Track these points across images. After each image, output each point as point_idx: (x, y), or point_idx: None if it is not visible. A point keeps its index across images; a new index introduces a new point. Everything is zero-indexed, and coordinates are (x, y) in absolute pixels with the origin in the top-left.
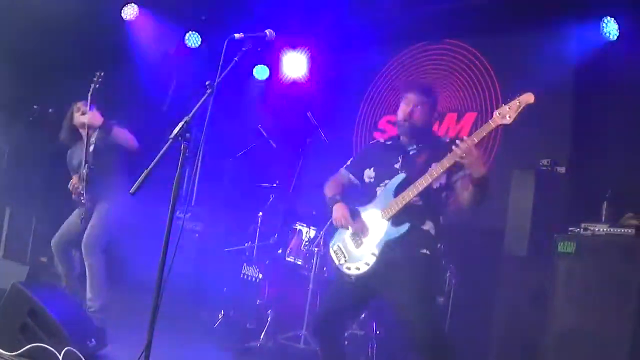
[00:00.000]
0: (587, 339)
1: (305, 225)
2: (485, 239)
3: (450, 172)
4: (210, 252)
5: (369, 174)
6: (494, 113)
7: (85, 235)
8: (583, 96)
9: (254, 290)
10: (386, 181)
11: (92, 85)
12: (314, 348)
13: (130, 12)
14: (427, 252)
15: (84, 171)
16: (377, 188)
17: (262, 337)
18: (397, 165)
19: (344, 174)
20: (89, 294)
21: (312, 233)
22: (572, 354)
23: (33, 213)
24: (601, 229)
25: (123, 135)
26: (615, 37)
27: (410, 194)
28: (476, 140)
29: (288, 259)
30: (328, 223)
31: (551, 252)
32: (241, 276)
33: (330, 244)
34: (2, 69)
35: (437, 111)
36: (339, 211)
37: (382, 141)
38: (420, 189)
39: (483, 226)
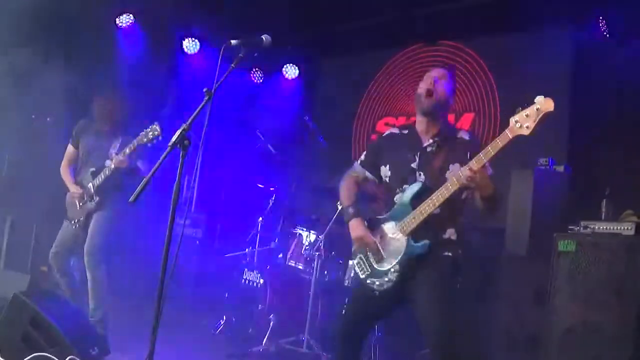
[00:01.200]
0: (590, 335)
1: (305, 229)
2: (485, 239)
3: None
4: (211, 258)
5: (385, 172)
6: (511, 121)
7: (86, 246)
8: (580, 94)
9: (255, 296)
10: (404, 186)
11: (148, 136)
12: (317, 352)
13: (125, 20)
14: (450, 254)
15: (95, 184)
16: (396, 195)
17: (264, 342)
18: (414, 165)
19: (359, 172)
20: (91, 304)
21: (313, 237)
22: (576, 351)
23: (34, 222)
24: (601, 227)
25: (141, 175)
26: (611, 36)
27: (427, 208)
28: (485, 160)
29: (289, 263)
30: (329, 225)
31: (552, 251)
32: (242, 282)
33: (353, 256)
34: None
35: (454, 95)
36: (357, 232)
37: (397, 132)
38: (437, 204)
39: (483, 226)
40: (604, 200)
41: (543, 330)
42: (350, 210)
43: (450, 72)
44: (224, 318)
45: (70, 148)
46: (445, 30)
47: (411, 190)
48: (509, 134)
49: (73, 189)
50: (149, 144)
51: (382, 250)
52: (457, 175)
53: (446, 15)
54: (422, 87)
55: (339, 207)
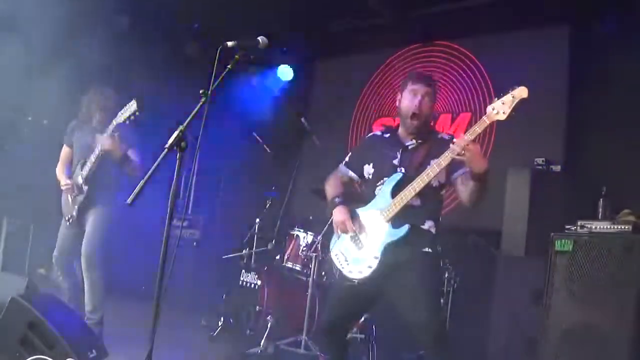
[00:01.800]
0: (588, 335)
1: (302, 230)
2: (482, 239)
3: (450, 169)
4: (209, 260)
5: (368, 170)
6: (487, 109)
7: (83, 248)
8: (576, 93)
9: (253, 297)
10: (384, 179)
11: (126, 114)
12: (315, 353)
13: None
14: (429, 250)
15: (83, 174)
16: (376, 187)
17: (262, 343)
18: (395, 161)
19: (343, 172)
20: (88, 307)
21: (310, 238)
22: (574, 352)
23: (30, 223)
24: (598, 227)
25: (133, 165)
26: (604, 35)
27: (408, 194)
28: (471, 138)
29: (286, 264)
30: (326, 226)
31: (549, 251)
32: (240, 283)
33: (331, 248)
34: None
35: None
36: (339, 215)
37: (380, 134)
38: (418, 189)
39: (480, 227)
40: (601, 200)
41: (541, 330)
42: (336, 199)
43: (431, 86)
44: (222, 319)
45: (65, 148)
46: (441, 30)
47: (392, 180)
48: (486, 119)
49: (63, 182)
50: (127, 121)
51: (361, 239)
52: (443, 156)
53: (441, 15)
54: (406, 106)
55: None
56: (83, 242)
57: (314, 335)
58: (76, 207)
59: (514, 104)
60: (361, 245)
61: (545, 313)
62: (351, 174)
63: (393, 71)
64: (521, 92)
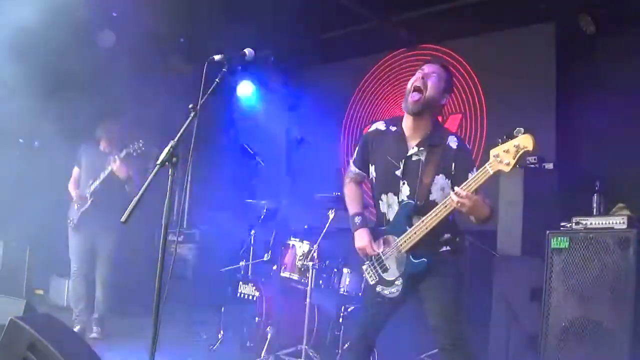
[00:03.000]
0: (587, 331)
1: (298, 239)
2: (478, 240)
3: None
4: (206, 273)
5: (372, 171)
6: (491, 154)
7: (99, 269)
8: (565, 90)
9: (251, 309)
10: (389, 193)
11: (135, 147)
12: None
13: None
14: (448, 247)
15: (90, 188)
16: (380, 200)
17: (263, 354)
18: (398, 173)
19: (353, 171)
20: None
21: (306, 247)
22: (574, 348)
23: (27, 245)
24: (593, 222)
25: (134, 184)
26: (593, 32)
27: (420, 231)
28: (474, 187)
29: (283, 274)
30: (321, 235)
31: (545, 249)
32: (238, 295)
33: (361, 264)
34: None
35: (447, 94)
36: (359, 242)
37: (384, 128)
38: (429, 228)
39: (475, 228)
40: (595, 195)
41: (541, 328)
42: (357, 220)
43: (445, 70)
44: (222, 332)
45: (75, 169)
46: (426, 34)
47: (404, 209)
48: (489, 169)
49: (73, 194)
50: (135, 153)
51: (385, 261)
52: (447, 202)
53: (426, 19)
54: (411, 82)
55: (330, 216)
56: (99, 265)
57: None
58: (79, 213)
59: (518, 155)
60: (386, 267)
61: (544, 311)
62: (361, 172)
63: (381, 76)
64: (526, 141)
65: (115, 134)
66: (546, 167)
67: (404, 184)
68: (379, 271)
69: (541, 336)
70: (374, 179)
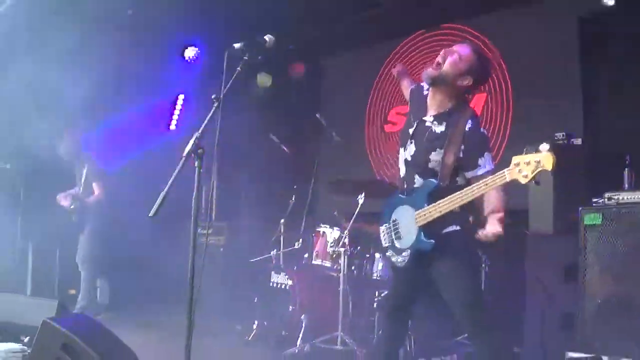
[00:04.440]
0: (623, 308)
1: (328, 226)
2: (509, 219)
3: (461, 163)
4: (237, 265)
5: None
6: (512, 161)
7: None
8: (589, 63)
9: (285, 298)
10: (401, 148)
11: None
12: (352, 348)
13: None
14: (457, 227)
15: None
16: (400, 163)
17: (298, 343)
18: (410, 131)
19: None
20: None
21: (336, 234)
22: (611, 325)
23: (56, 245)
24: (625, 197)
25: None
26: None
27: (436, 213)
28: (488, 189)
29: (315, 262)
30: (351, 221)
31: (578, 226)
32: (270, 285)
33: (380, 222)
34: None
35: (469, 77)
36: None
37: (421, 85)
38: (444, 212)
39: (506, 208)
40: (626, 169)
41: (576, 306)
42: None
43: (472, 53)
44: (256, 323)
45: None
46: (447, 13)
47: (426, 187)
48: (507, 176)
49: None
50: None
51: (400, 229)
52: (467, 192)
53: None
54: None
55: (360, 201)
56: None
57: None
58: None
59: (537, 172)
60: (399, 235)
61: (579, 289)
62: (408, 92)
63: (403, 59)
64: (546, 161)
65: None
66: (574, 142)
67: (411, 142)
68: (393, 236)
69: (577, 315)
70: (404, 124)
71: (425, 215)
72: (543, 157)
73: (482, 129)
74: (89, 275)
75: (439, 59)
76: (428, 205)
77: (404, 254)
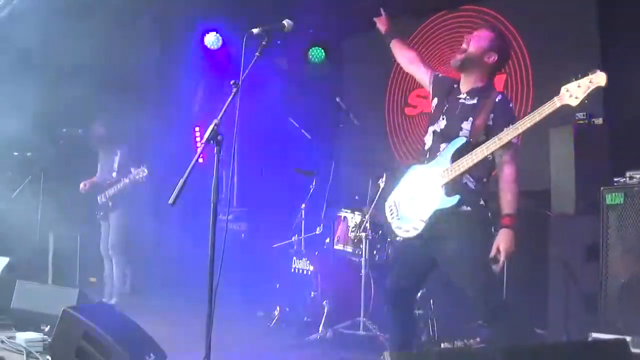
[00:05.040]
0: None
1: (349, 211)
2: (532, 200)
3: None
4: (259, 251)
5: (433, 105)
6: (561, 90)
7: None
8: (609, 42)
9: (306, 283)
10: (430, 126)
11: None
12: (375, 333)
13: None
14: (468, 207)
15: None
16: (427, 137)
17: (320, 329)
18: (443, 109)
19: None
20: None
21: (358, 218)
22: (634, 302)
23: (77, 233)
24: None
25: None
26: None
27: (466, 164)
28: (538, 119)
29: (337, 247)
30: (372, 206)
31: (600, 206)
32: (292, 270)
33: (387, 199)
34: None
35: (493, 52)
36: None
37: (445, 76)
38: (476, 160)
39: (527, 189)
40: None
41: (600, 286)
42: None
43: (489, 30)
44: (278, 309)
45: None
46: None
47: (455, 143)
48: (557, 102)
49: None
50: (141, 182)
51: (415, 197)
52: (490, 144)
53: None
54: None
55: (381, 185)
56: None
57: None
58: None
59: (589, 90)
60: (413, 203)
61: (602, 269)
62: (426, 79)
63: (422, 41)
64: (599, 78)
65: (102, 134)
66: (595, 122)
67: (443, 118)
68: (404, 207)
69: (600, 295)
70: (433, 109)
71: (453, 170)
72: (594, 77)
73: (510, 104)
74: (122, 260)
75: (463, 45)
76: (452, 163)
77: (416, 221)
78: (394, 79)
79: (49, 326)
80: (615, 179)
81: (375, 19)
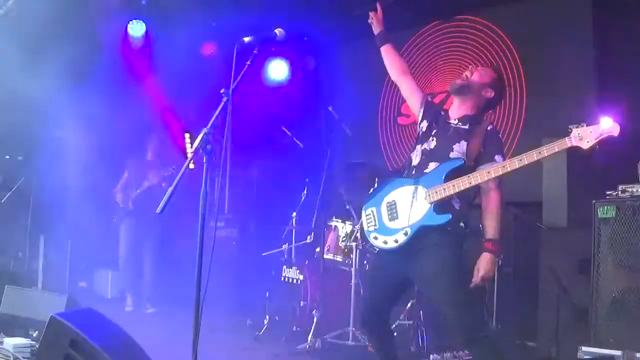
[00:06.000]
0: (638, 300)
1: (340, 220)
2: (523, 212)
3: (478, 156)
4: (249, 258)
5: (422, 126)
6: (573, 132)
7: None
8: (603, 54)
9: (296, 292)
10: (418, 145)
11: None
12: (364, 344)
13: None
14: (449, 227)
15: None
16: (414, 154)
17: (309, 338)
18: (433, 132)
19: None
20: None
21: (348, 228)
22: (625, 319)
23: (68, 238)
24: (639, 189)
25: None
26: None
27: (462, 185)
28: (546, 154)
29: (327, 256)
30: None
31: (592, 219)
32: (282, 279)
33: (364, 206)
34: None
35: (491, 90)
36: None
37: (435, 102)
38: (474, 182)
39: (519, 200)
40: None
41: (591, 300)
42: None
43: (494, 70)
44: (267, 318)
45: (125, 173)
46: (459, 5)
47: (451, 163)
48: (568, 142)
49: (119, 197)
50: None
51: (398, 209)
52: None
53: None
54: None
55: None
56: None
57: (360, 326)
58: (123, 214)
59: (602, 137)
60: (396, 216)
61: (593, 282)
62: (417, 98)
63: (416, 51)
64: (613, 128)
65: (161, 147)
66: None
67: (433, 139)
68: (384, 218)
69: (591, 309)
70: (420, 131)
71: (444, 190)
72: (609, 126)
73: (499, 134)
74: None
75: (466, 72)
76: (445, 182)
77: (399, 234)
78: (387, 88)
79: (37, 331)
80: (608, 192)
81: (370, 13)
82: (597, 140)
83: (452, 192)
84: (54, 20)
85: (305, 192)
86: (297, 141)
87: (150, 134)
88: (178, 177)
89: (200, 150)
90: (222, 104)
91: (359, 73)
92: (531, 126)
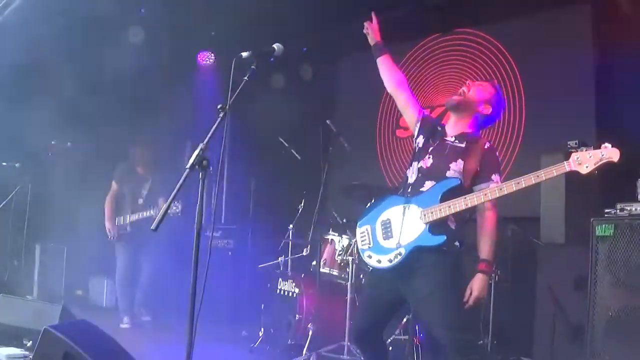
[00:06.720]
0: (634, 320)
1: (337, 234)
2: (521, 228)
3: (474, 178)
4: (245, 270)
5: (419, 141)
6: (572, 156)
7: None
8: (604, 71)
9: (292, 305)
10: (414, 162)
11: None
12: (359, 358)
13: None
14: (445, 248)
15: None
16: (410, 171)
17: (304, 352)
18: (430, 149)
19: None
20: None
21: (345, 241)
22: (621, 338)
23: (64, 246)
24: (638, 208)
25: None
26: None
27: (459, 206)
28: (544, 178)
29: (323, 270)
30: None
31: (590, 236)
32: (278, 292)
33: (359, 223)
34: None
35: (488, 105)
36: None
37: (432, 120)
38: (471, 204)
39: (517, 216)
40: (639, 180)
41: (587, 318)
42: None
43: (492, 86)
44: (262, 330)
45: (114, 185)
46: (460, 18)
47: (448, 183)
48: (566, 166)
49: (108, 226)
50: (173, 215)
51: (392, 229)
52: (487, 192)
53: (460, 2)
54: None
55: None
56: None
57: (353, 342)
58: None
59: (600, 163)
60: (390, 235)
61: (590, 300)
62: (413, 112)
63: (416, 63)
64: (613, 154)
65: (149, 155)
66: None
67: (429, 157)
68: (378, 237)
69: (587, 326)
70: (417, 147)
71: (440, 210)
72: (608, 152)
73: (496, 153)
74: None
75: (463, 88)
76: (441, 202)
77: (392, 254)
78: (386, 101)
79: (31, 341)
80: (606, 210)
81: (365, 24)
82: (596, 166)
83: (447, 213)
84: None
85: (302, 204)
86: (294, 153)
87: (134, 144)
88: (172, 195)
89: (196, 167)
90: (219, 119)
91: (359, 85)
92: (530, 143)
